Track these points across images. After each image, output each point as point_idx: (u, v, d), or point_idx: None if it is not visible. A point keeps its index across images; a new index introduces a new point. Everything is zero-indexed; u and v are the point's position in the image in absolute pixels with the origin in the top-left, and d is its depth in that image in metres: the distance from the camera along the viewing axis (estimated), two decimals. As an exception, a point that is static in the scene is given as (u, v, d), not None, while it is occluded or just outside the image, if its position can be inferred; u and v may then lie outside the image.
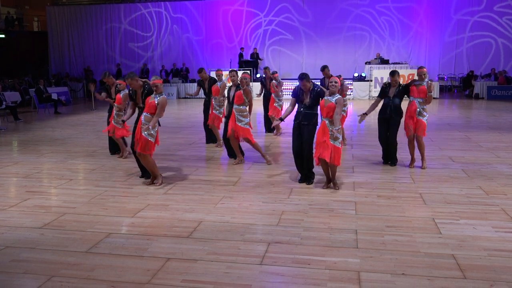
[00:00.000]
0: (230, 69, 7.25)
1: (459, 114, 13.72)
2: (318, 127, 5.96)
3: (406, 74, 18.36)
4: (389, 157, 7.35)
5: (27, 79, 20.34)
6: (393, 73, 7.08)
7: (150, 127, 5.88)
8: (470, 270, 3.63)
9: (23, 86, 18.62)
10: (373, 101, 7.41)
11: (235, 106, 7.23)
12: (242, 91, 7.17)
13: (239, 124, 7.19)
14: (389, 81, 7.16)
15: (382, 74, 18.61)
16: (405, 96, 7.08)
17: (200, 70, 9.12)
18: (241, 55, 21.61)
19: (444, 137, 9.69)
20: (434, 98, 18.42)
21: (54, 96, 16.65)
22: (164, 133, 10.47)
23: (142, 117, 6.05)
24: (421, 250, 4.01)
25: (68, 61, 25.50)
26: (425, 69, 6.90)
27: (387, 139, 7.19)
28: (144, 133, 5.92)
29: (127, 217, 5.01)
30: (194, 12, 24.03)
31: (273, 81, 10.21)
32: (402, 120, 7.06)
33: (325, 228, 4.55)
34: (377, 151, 8.33)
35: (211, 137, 9.36)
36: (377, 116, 7.34)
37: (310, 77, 6.11)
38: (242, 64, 20.84)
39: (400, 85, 7.12)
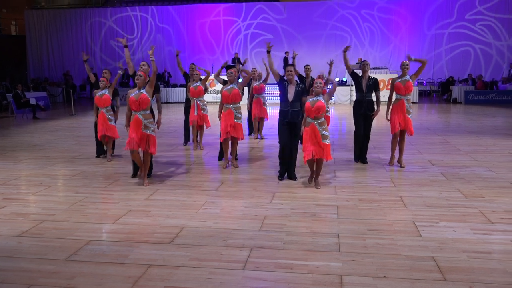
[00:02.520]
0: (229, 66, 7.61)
1: (438, 118, 13.96)
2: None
3: (386, 78, 18.60)
4: (362, 154, 7.77)
5: (5, 84, 19.95)
6: (363, 64, 7.38)
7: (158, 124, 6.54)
8: (450, 272, 3.69)
9: (0, 91, 18.25)
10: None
11: (234, 105, 7.31)
12: (237, 89, 7.32)
13: (239, 122, 7.31)
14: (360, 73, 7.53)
15: (362, 79, 18.83)
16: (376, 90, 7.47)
17: (192, 66, 9.24)
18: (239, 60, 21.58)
19: (424, 141, 9.84)
20: (413, 102, 18.81)
21: (33, 101, 16.35)
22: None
23: (140, 116, 6.18)
24: (402, 253, 4.06)
25: (47, 65, 25.11)
26: (407, 61, 7.15)
27: (364, 134, 7.62)
28: (150, 131, 6.22)
29: (107, 223, 4.94)
30: (180, 26, 23.97)
31: (256, 83, 10.28)
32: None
33: (307, 233, 4.56)
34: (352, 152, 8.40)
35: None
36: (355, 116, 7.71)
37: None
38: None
39: (370, 78, 7.46)
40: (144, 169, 6.46)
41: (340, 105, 18.78)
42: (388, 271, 3.72)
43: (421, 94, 21.52)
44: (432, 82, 22.61)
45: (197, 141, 9.23)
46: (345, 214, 5.10)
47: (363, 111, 7.46)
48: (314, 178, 6.32)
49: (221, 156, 8.04)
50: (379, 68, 20.28)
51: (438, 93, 22.12)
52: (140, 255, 4.10)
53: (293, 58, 8.69)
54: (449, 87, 20.23)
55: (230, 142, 7.47)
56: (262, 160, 8.14)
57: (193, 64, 9.39)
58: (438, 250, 4.11)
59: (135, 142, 6.17)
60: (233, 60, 21.52)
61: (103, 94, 8.02)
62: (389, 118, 7.35)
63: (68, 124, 13.63)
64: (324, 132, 5.97)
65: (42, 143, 10.31)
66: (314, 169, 6.26)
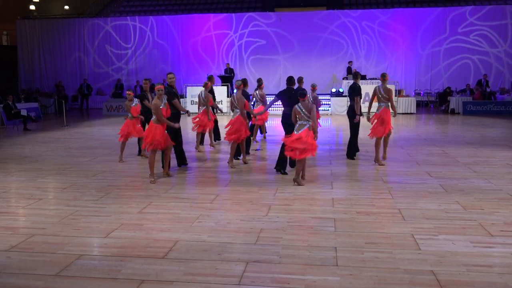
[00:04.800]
0: (243, 78, 9.21)
1: (436, 129, 14.02)
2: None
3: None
4: (355, 151, 9.27)
5: (-5, 95, 19.89)
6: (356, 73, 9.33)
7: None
8: (450, 286, 3.67)
9: (-9, 102, 18.18)
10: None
11: (243, 111, 8.45)
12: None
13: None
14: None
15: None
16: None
17: (211, 78, 11.02)
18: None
19: (422, 152, 9.87)
20: (411, 113, 18.98)
21: (24, 112, 16.28)
22: (137, 150, 10.41)
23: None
24: (401, 266, 4.05)
25: (39, 76, 25.13)
26: (387, 73, 8.66)
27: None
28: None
29: (99, 237, 4.90)
30: (178, 43, 24.12)
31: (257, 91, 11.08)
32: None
33: (304, 246, 4.55)
34: (356, 167, 8.43)
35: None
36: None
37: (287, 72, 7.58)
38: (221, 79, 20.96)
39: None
40: (167, 162, 7.73)
41: (337, 116, 18.84)
42: (386, 285, 3.70)
43: (419, 104, 21.61)
44: (429, 92, 22.74)
45: (212, 141, 10.98)
46: (342, 227, 5.09)
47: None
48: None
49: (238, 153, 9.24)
50: (376, 79, 20.39)
51: (436, 104, 22.25)
52: (132, 270, 4.06)
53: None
54: (446, 98, 20.36)
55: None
56: (258, 172, 8.13)
57: (212, 76, 11.16)
58: (437, 263, 4.10)
59: (161, 143, 7.30)
60: (226, 71, 21.61)
61: (136, 104, 9.42)
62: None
63: (60, 136, 13.59)
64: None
65: (33, 155, 10.26)
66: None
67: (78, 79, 24.63)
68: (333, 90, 20.50)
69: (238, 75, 22.98)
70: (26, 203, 6.31)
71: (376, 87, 8.52)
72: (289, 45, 23.38)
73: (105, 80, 24.81)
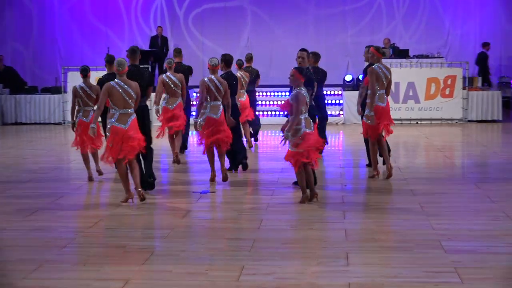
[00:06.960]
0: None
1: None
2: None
3: (441, 77, 18.90)
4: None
5: None
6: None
7: None
8: None
9: None
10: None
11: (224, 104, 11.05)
12: None
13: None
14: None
15: (398, 76, 18.90)
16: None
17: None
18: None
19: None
20: (493, 121, 19.26)
21: None
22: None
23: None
24: None
25: None
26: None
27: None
28: None
29: None
30: (54, 5, 24.98)
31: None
32: None
33: None
34: (389, 221, 8.47)
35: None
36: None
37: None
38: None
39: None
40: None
41: (352, 126, 18.80)
42: None
43: (508, 105, 21.87)
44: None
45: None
46: None
47: None
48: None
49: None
50: (426, 57, 20.60)
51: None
52: None
53: None
54: None
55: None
56: (207, 231, 8.18)
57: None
58: None
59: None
60: (154, 41, 21.66)
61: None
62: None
63: None
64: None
65: None
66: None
67: None
68: (348, 78, 20.58)
69: (173, 46, 23.16)
70: None
71: (374, 66, 10.90)
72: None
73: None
